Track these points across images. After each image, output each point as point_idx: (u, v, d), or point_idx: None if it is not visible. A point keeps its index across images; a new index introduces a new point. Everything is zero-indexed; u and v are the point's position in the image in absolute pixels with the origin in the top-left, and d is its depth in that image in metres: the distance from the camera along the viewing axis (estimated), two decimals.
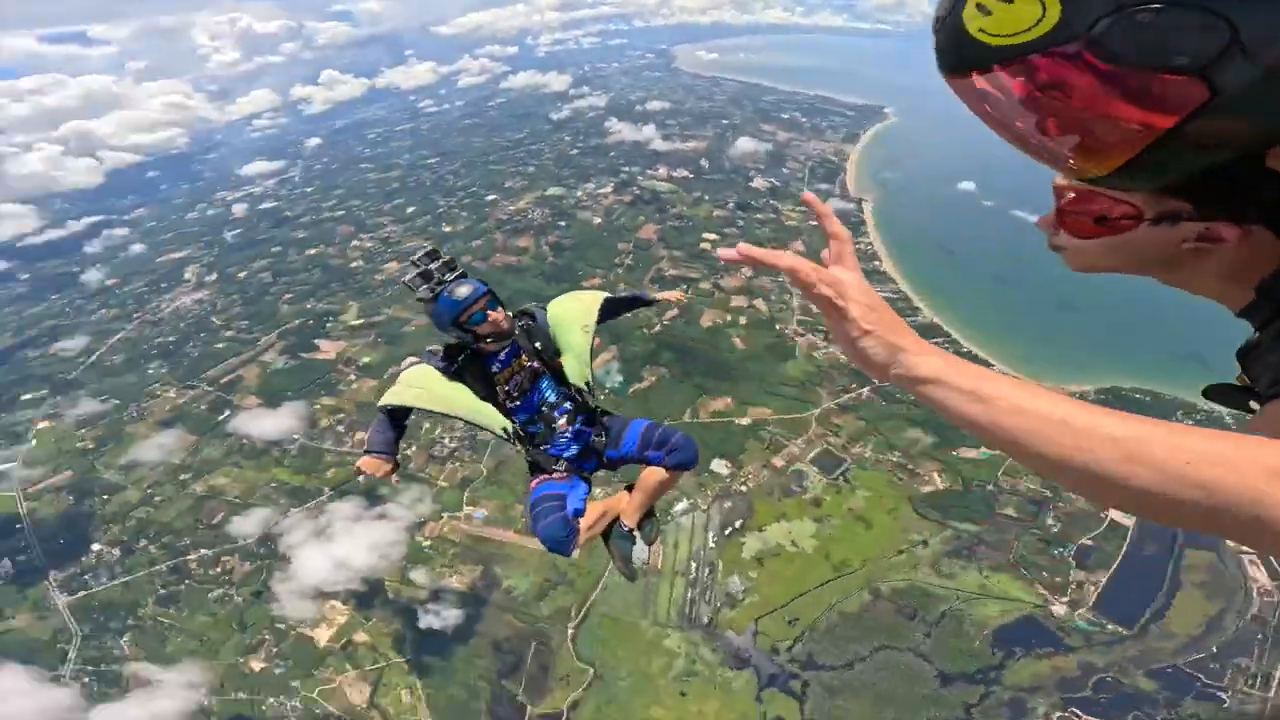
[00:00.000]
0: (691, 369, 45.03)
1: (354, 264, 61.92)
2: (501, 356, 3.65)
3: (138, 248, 73.33)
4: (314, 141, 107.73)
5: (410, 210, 72.73)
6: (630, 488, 4.13)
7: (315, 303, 56.16)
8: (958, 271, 57.73)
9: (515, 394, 3.71)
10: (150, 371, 49.24)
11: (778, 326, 49.74)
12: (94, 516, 38.20)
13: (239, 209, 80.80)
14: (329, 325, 52.78)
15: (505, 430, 3.60)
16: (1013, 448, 0.89)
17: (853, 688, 29.74)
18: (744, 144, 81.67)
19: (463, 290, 3.40)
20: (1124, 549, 32.41)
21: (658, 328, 49.10)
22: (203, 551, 35.68)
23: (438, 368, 3.58)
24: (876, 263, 58.20)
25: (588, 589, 34.08)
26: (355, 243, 65.89)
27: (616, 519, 4.01)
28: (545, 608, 33.33)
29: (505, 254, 60.31)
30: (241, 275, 62.35)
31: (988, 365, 39.24)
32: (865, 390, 43.56)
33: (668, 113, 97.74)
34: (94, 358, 51.45)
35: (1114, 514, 33.17)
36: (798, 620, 32.43)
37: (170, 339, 53.29)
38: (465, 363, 3.58)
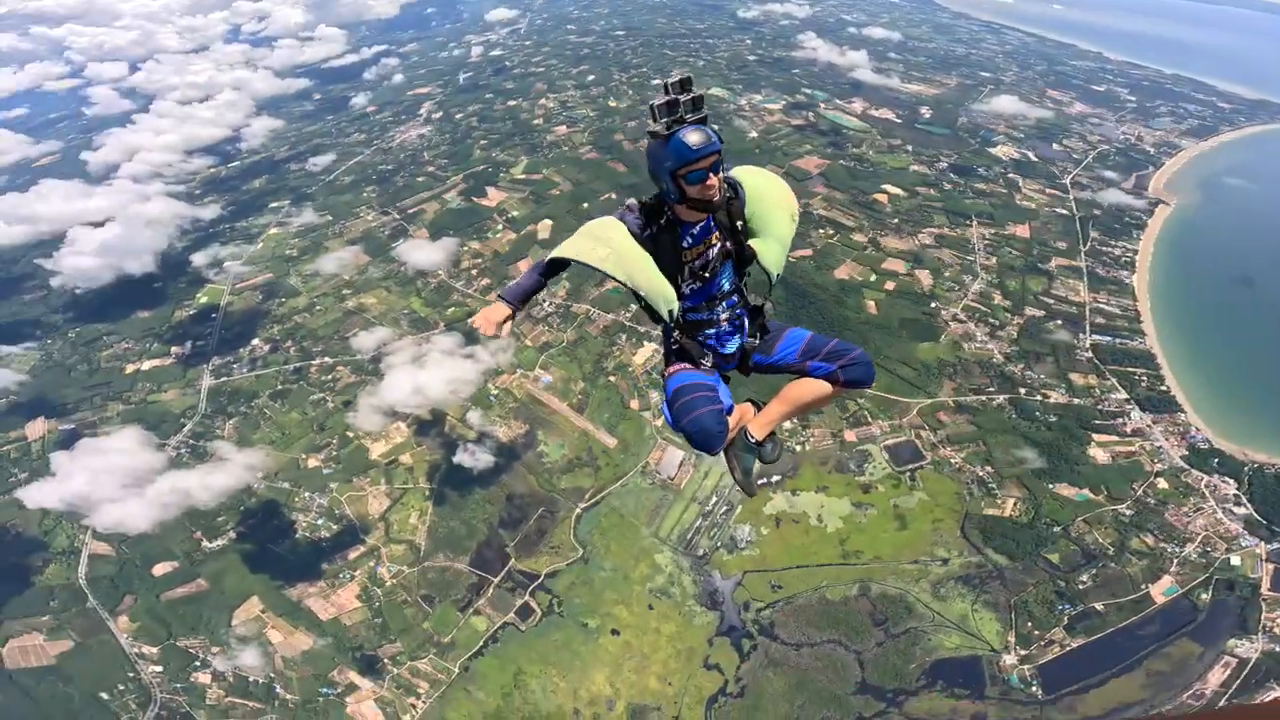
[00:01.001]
0: (802, 315, 42.51)
1: (536, 120, 66.29)
2: (696, 230, 3.46)
3: (399, 78, 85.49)
4: None
5: (590, 79, 74.42)
6: (757, 404, 4.01)
7: (499, 152, 62.05)
8: (1237, 310, 46.19)
9: (698, 275, 3.56)
10: (364, 194, 59.51)
11: (933, 305, 44.43)
12: (268, 315, 46.78)
13: (476, 53, 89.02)
14: (500, 175, 58.42)
15: (670, 312, 3.50)
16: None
17: (790, 665, 30.89)
18: (1002, 103, 67.75)
19: (696, 138, 3.09)
20: (1122, 624, 30.23)
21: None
22: (325, 359, 43.17)
23: (631, 227, 3.44)
24: (1125, 273, 47.65)
25: (609, 480, 37.21)
26: (543, 101, 69.93)
27: (744, 428, 3.87)
28: (565, 481, 37.38)
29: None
30: (459, 116, 70.31)
31: (1175, 406, 38.56)
32: (1002, 398, 39.17)
33: (894, 45, 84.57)
34: (332, 176, 63.21)
35: (1157, 588, 31.46)
36: (781, 588, 33.18)
37: (389, 167, 63.32)
38: (660, 230, 3.43)
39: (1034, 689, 29.16)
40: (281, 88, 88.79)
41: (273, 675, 30.37)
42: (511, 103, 71.14)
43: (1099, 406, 38.15)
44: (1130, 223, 51.15)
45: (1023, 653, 29.69)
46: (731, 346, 3.77)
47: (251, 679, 30.28)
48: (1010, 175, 55.62)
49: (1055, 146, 60.55)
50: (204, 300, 48.95)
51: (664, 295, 3.42)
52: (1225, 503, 34.23)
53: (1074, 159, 58.57)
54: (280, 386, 42.05)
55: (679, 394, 3.53)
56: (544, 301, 45.20)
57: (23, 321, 49.05)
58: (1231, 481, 35.00)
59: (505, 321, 3.51)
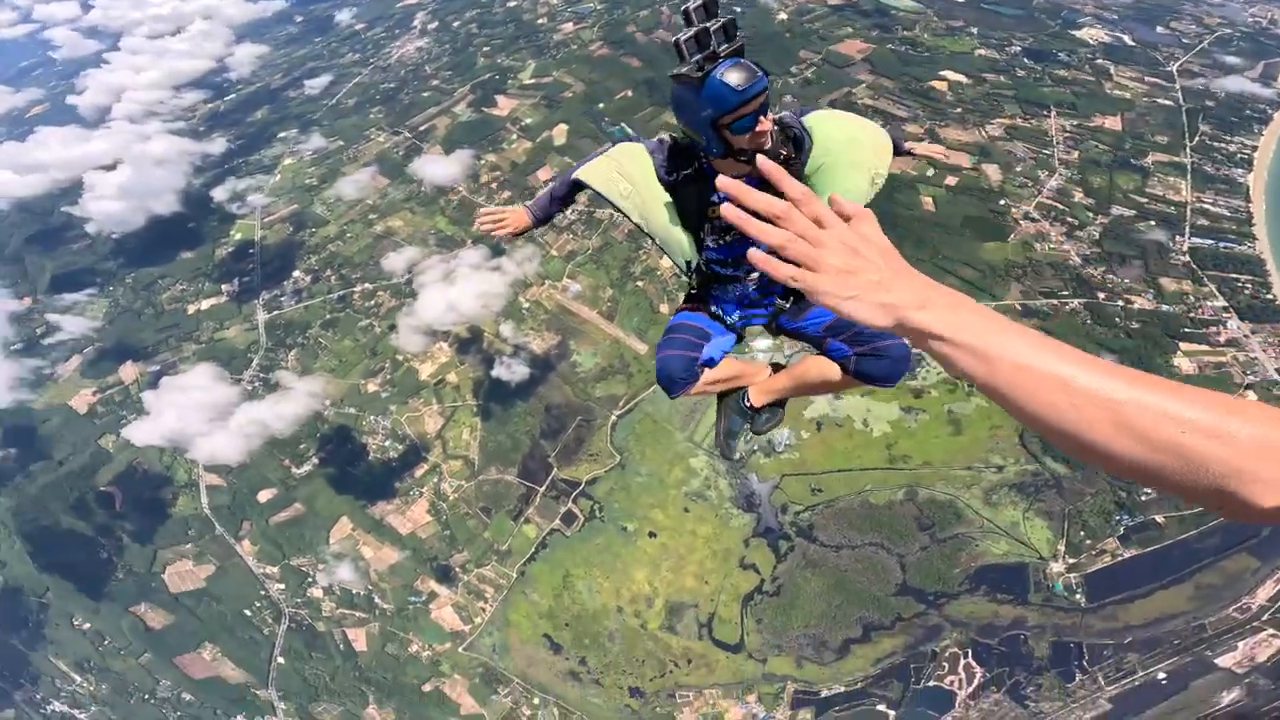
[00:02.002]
0: None
1: (540, 20, 62.74)
2: None
3: None
4: None
5: None
6: (778, 367, 3.68)
7: (504, 58, 59.29)
8: None
9: (724, 236, 3.13)
10: (371, 116, 58.50)
11: (1003, 202, 41.09)
12: (302, 246, 48.23)
13: None
14: (509, 82, 56.35)
15: (688, 263, 3.26)
16: (1011, 408, 0.94)
17: (828, 566, 31.47)
18: None
19: (737, 76, 2.55)
20: (1181, 537, 29.36)
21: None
22: (365, 285, 44.68)
23: (656, 166, 3.10)
24: (1239, 171, 42.07)
25: (642, 386, 37.76)
26: None
27: (744, 389, 3.59)
28: (599, 390, 38.20)
29: (668, 31, 55.30)
30: (456, 24, 66.95)
31: None
32: (1077, 302, 36.72)
33: None
34: (334, 100, 62.04)
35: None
36: (822, 491, 33.24)
37: (391, 85, 61.67)
38: (687, 179, 3.02)
39: (1077, 597, 28.98)
40: (256, 11, 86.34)
41: (370, 588, 34.34)
42: (512, 3, 66.88)
43: (1191, 314, 35.38)
44: (1252, 116, 45.06)
45: (1071, 561, 29.58)
46: (757, 316, 3.39)
47: (355, 591, 34.41)
48: (1099, 61, 49.48)
49: (1159, 30, 53.09)
50: (238, 237, 50.30)
51: (678, 247, 3.18)
52: None
53: (1183, 43, 51.33)
54: (329, 315, 43.66)
55: (668, 331, 3.37)
56: (566, 210, 44.21)
57: (79, 270, 51.43)
58: None
59: (521, 233, 3.48)
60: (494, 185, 48.42)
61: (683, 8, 2.58)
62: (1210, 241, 38.05)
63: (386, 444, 37.54)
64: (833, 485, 32.89)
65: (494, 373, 39.09)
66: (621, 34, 56.86)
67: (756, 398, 3.57)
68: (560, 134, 49.65)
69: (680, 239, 3.16)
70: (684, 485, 34.67)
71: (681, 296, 3.60)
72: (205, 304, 45.71)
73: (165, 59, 76.24)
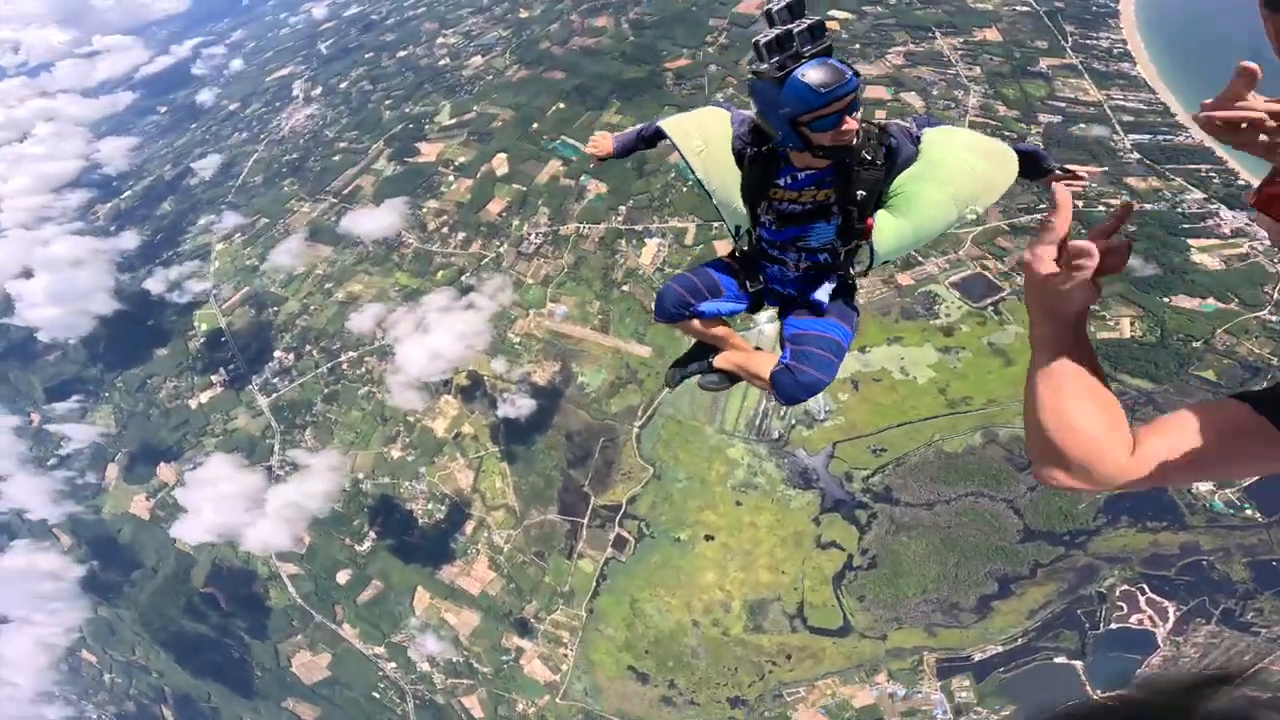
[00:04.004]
0: None
1: (441, 62, 63.75)
2: (801, 175, 3.08)
3: (237, 65, 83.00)
4: None
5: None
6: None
7: (412, 105, 59.77)
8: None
9: (776, 217, 3.26)
10: (285, 189, 57.81)
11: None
12: (271, 326, 47.98)
13: (321, 17, 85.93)
14: (426, 128, 56.55)
15: (738, 228, 3.45)
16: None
17: (923, 527, 30.50)
18: None
19: (820, 75, 2.60)
20: None
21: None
22: (350, 354, 44.38)
23: (734, 134, 3.24)
24: (1126, 65, 46.53)
25: (655, 390, 37.63)
26: (440, 39, 67.14)
27: (715, 349, 3.85)
28: (614, 405, 37.91)
29: (583, 36, 58.17)
30: (343, 86, 67.57)
31: None
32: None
33: None
34: (239, 180, 61.10)
35: None
36: (885, 450, 32.34)
37: (294, 156, 61.15)
38: (758, 156, 3.13)
39: (1247, 511, 27.71)
40: (104, 107, 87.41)
41: (466, 654, 34.87)
42: (402, 53, 68.06)
43: (1178, 210, 37.06)
44: (1100, 10, 50.49)
45: None
46: (787, 291, 3.55)
47: (455, 660, 34.97)
48: None
49: None
50: (204, 327, 50.03)
51: (735, 214, 3.35)
52: None
53: None
54: (326, 390, 43.61)
55: (693, 268, 3.61)
56: (530, 235, 44.49)
57: (67, 380, 52.60)
58: None
59: (604, 158, 3.74)
60: (445, 230, 48.16)
61: (765, 8, 2.62)
62: (1148, 137, 40.78)
63: (430, 507, 37.87)
64: (895, 442, 32.02)
65: (507, 416, 38.62)
66: (536, 52, 58.21)
67: (721, 359, 3.80)
68: (501, 164, 49.95)
69: (738, 205, 3.29)
70: (728, 479, 34.39)
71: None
72: (204, 396, 46.42)
73: (24, 164, 75.92)
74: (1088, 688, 26.46)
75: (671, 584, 32.51)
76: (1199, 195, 37.31)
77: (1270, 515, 27.14)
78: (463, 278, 44.72)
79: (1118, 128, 41.68)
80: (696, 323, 3.57)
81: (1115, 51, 47.13)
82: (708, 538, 32.99)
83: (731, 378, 3.82)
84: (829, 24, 2.73)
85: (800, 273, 3.40)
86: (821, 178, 3.01)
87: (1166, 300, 33.36)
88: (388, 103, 61.55)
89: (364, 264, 48.62)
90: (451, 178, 51.24)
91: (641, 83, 50.16)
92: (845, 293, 3.46)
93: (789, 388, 3.22)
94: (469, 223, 47.71)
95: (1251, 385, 29.26)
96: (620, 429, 36.84)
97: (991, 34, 48.98)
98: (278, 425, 43.16)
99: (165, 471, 44.60)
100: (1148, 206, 36.96)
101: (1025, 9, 50.67)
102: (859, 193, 2.97)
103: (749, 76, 2.80)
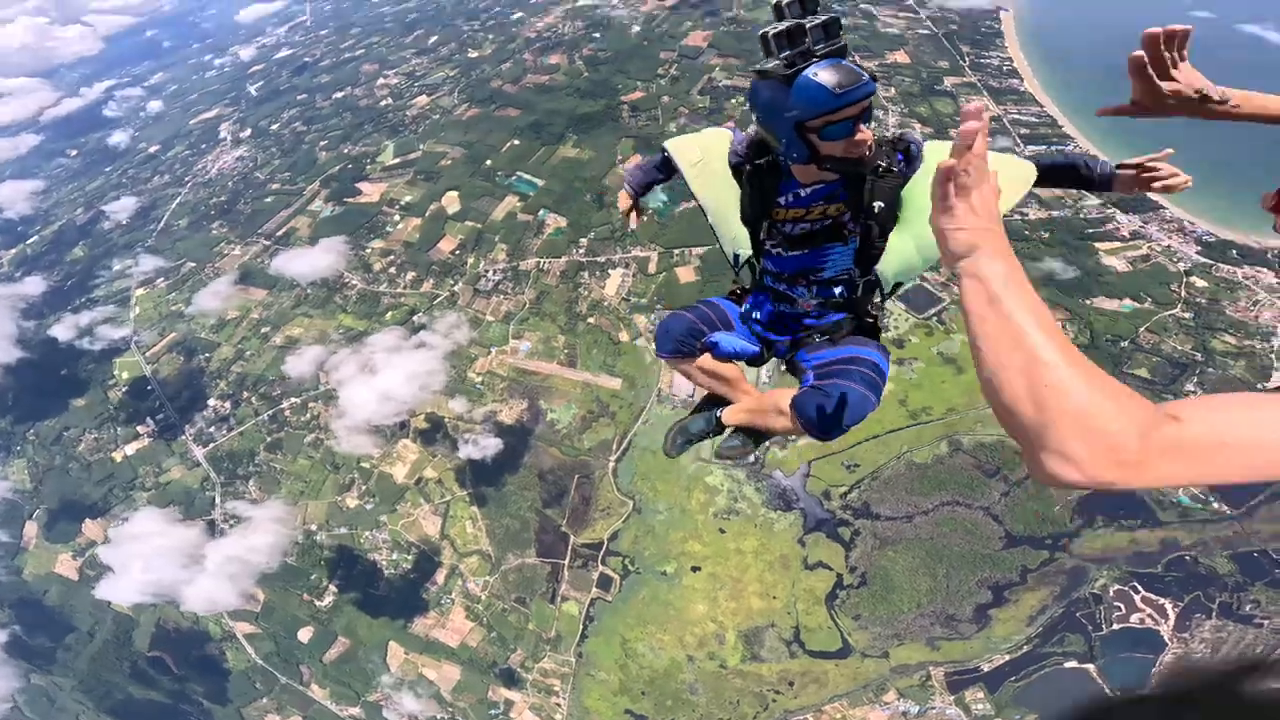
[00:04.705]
0: None
1: (383, 103, 63.63)
2: (805, 191, 2.78)
3: (155, 107, 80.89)
4: None
5: (433, 39, 72.60)
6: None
7: (351, 146, 59.04)
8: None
9: (782, 242, 2.94)
10: (212, 233, 55.54)
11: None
12: (204, 373, 45.44)
13: (248, 58, 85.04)
14: (367, 167, 55.92)
15: (737, 256, 3.11)
16: (973, 351, 1.28)
17: (906, 539, 30.63)
18: None
19: (834, 77, 2.34)
20: None
21: None
22: (293, 400, 42.15)
23: (731, 146, 2.97)
24: (1015, 81, 51.60)
25: (629, 422, 37.30)
26: (381, 80, 67.40)
27: (723, 401, 3.40)
28: (587, 440, 37.14)
29: (536, 74, 59.71)
30: (274, 127, 66.32)
31: (1155, 204, 37.11)
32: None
33: None
34: (161, 224, 58.42)
35: (1275, 382, 30.95)
36: (858, 466, 32.73)
37: (223, 198, 58.98)
38: (758, 170, 2.85)
39: (1214, 505, 28.88)
40: (4, 150, 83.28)
41: (451, 709, 32.51)
42: (338, 95, 67.50)
43: (1080, 215, 40.33)
44: (987, 31, 56.14)
45: None
46: (783, 338, 3.19)
47: (439, 717, 32.54)
48: (863, 5, 59.93)
49: None
50: (126, 375, 46.75)
51: (734, 235, 3.04)
52: (1277, 292, 35.14)
53: None
54: (269, 438, 40.99)
55: (699, 300, 3.27)
56: (487, 272, 44.11)
57: None
58: (1266, 270, 35.96)
59: (631, 212, 3.45)
60: (393, 270, 47.10)
61: (774, 1, 2.38)
62: (1042, 147, 44.82)
63: (395, 557, 35.66)
64: (866, 457, 32.59)
65: (473, 457, 37.18)
66: (488, 91, 59.01)
67: (729, 414, 3.36)
68: (452, 202, 49.61)
69: (735, 228, 3.02)
70: (710, 507, 34.20)
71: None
72: (130, 449, 43.35)
73: None
74: (1106, 690, 26.68)
75: (662, 620, 31.55)
76: (1095, 201, 40.60)
77: (1237, 507, 28.53)
78: (414, 318, 43.58)
79: (1017, 139, 45.88)
80: (707, 358, 3.19)
81: (1005, 69, 52.05)
82: (694, 569, 32.33)
83: (751, 435, 3.28)
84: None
85: (810, 312, 3.05)
86: (831, 190, 2.74)
87: (1088, 303, 35.61)
88: (324, 144, 60.67)
89: (303, 306, 46.79)
90: (397, 217, 50.48)
91: (598, 115, 51.56)
92: (867, 332, 3.06)
93: (821, 411, 2.67)
94: (419, 262, 46.81)
95: (1183, 381, 31.61)
96: (595, 464, 36.07)
97: (901, 56, 53.29)
98: (217, 476, 40.62)
99: (92, 528, 41.34)
100: (1054, 214, 40.13)
101: (926, 31, 55.89)
102: (877, 204, 2.66)
103: (751, 75, 2.55)
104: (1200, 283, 36.31)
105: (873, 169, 2.60)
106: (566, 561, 33.60)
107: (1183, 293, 35.64)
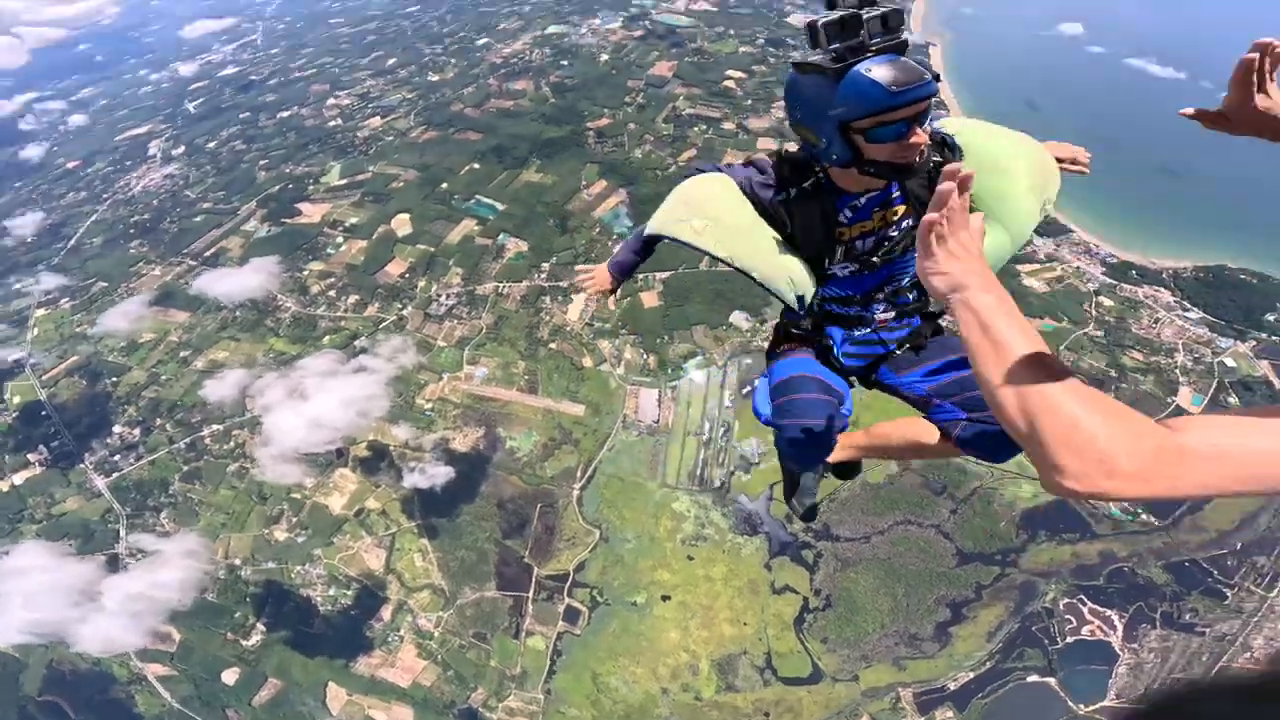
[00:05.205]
0: None
1: (331, 123, 62.43)
2: (861, 201, 2.59)
3: (78, 121, 77.35)
4: None
5: (391, 62, 72.34)
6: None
7: (293, 166, 57.34)
8: (1043, 129, 54.26)
9: (862, 258, 2.70)
10: (131, 251, 52.20)
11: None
12: (109, 398, 42.07)
13: (189, 74, 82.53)
14: (310, 188, 54.20)
15: (801, 298, 2.71)
16: (975, 377, 1.42)
17: (866, 560, 31.25)
18: None
19: (890, 73, 2.14)
20: None
21: (672, 168, 48.86)
22: (214, 427, 39.31)
23: (753, 189, 2.68)
24: (944, 113, 55.05)
25: (593, 449, 36.43)
26: (331, 101, 66.31)
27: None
28: (550, 468, 35.93)
29: (501, 99, 60.15)
30: (211, 145, 63.92)
31: (1065, 229, 40.54)
32: None
33: None
34: (71, 241, 54.56)
35: (1181, 398, 34.21)
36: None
37: (145, 217, 55.88)
38: (805, 195, 2.59)
39: (1143, 517, 30.47)
40: None
41: None
42: (284, 114, 65.89)
43: None
44: (917, 64, 61.34)
45: None
46: (876, 350, 3.04)
47: None
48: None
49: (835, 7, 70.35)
50: (18, 400, 43.06)
51: (789, 278, 2.68)
52: (1174, 310, 38.17)
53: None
54: (186, 467, 37.95)
55: (790, 385, 2.85)
56: (440, 296, 42.99)
57: None
58: (1163, 290, 39.31)
59: (609, 293, 3.30)
60: (332, 293, 45.25)
61: None
62: None
63: (333, 593, 33.14)
64: (824, 485, 34.00)
65: (421, 486, 35.38)
66: (447, 114, 58.79)
67: (835, 452, 3.26)
68: (403, 224, 48.45)
69: (790, 270, 2.68)
70: (677, 533, 33.64)
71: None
72: (17, 478, 39.59)
73: None
74: (1069, 703, 27.41)
75: (634, 651, 30.39)
76: None
77: (1164, 519, 30.41)
78: (356, 342, 41.79)
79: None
80: (856, 438, 3.13)
81: (937, 102, 55.96)
82: (665, 598, 31.53)
83: (849, 463, 3.39)
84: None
85: (887, 324, 2.94)
86: (886, 196, 2.60)
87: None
88: (264, 163, 58.66)
89: (230, 329, 44.26)
90: (340, 239, 48.88)
91: (563, 141, 52.03)
92: (939, 329, 3.01)
93: (986, 444, 2.67)
94: (363, 285, 45.11)
95: (1109, 392, 34.84)
96: (559, 493, 34.84)
97: None
98: (122, 508, 37.37)
99: None
100: None
101: None
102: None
103: (789, 70, 2.38)
104: (1108, 301, 39.16)
105: (925, 169, 2.43)
106: (530, 594, 32.06)
107: (1093, 311, 38.41)
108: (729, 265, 2.62)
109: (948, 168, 1.52)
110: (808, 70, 2.28)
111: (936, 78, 2.22)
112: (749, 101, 55.78)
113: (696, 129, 53.00)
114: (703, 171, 2.80)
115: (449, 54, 71.02)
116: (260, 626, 33.21)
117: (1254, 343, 36.33)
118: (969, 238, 1.55)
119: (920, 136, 2.28)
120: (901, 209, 2.61)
